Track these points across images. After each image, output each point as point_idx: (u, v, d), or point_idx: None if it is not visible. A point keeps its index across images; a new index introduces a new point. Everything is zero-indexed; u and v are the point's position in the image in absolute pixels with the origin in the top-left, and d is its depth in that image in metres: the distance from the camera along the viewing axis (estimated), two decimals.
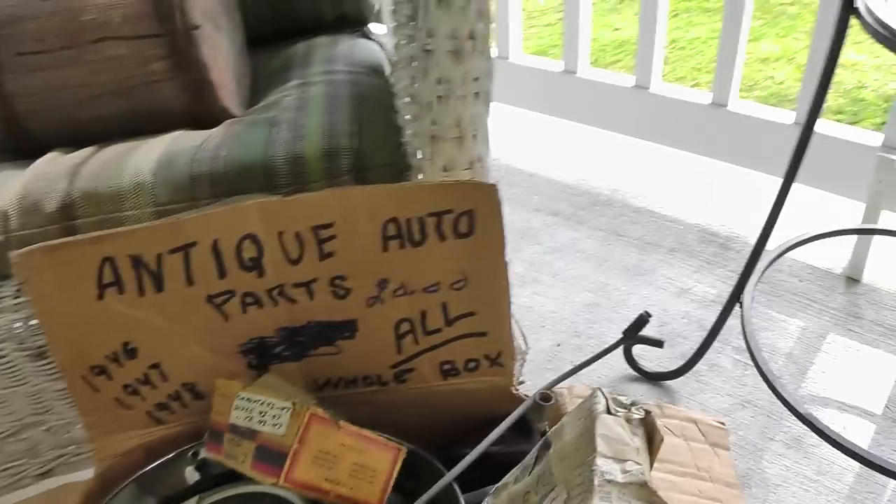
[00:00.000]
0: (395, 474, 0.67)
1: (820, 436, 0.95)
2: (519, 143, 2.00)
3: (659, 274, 1.50)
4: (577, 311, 1.42)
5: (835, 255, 1.51)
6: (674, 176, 1.81)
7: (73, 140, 0.98)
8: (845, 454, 0.93)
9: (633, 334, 0.81)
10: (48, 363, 0.87)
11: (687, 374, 1.26)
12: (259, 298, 0.70)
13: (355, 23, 1.25)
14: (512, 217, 1.70)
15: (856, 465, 1.10)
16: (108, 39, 0.92)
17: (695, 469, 0.82)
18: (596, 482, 0.52)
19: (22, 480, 0.98)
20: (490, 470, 0.70)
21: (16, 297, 0.86)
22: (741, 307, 1.14)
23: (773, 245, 1.23)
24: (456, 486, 0.68)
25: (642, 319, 0.81)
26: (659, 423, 0.84)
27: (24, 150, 0.98)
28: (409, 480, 0.70)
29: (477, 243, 0.66)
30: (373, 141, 0.81)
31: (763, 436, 1.16)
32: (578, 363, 0.79)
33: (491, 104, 0.75)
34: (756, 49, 2.59)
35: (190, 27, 0.90)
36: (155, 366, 0.73)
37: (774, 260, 1.24)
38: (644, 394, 1.25)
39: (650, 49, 1.71)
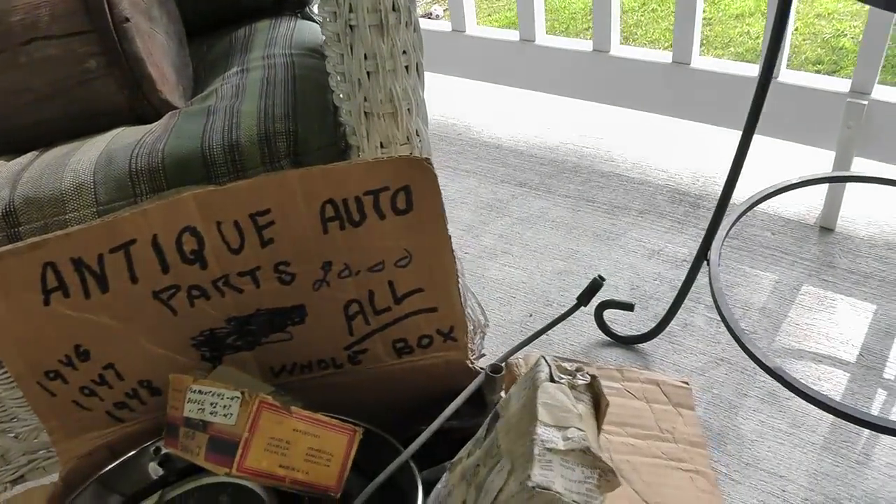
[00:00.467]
0: (352, 456, 0.67)
1: (790, 389, 0.95)
2: (483, 115, 1.99)
3: (629, 237, 1.49)
4: (549, 280, 1.42)
5: (808, 206, 1.52)
6: (641, 138, 1.80)
7: (15, 146, 0.96)
8: (816, 406, 0.93)
9: (588, 299, 0.81)
10: (4, 372, 0.86)
11: (660, 336, 1.26)
12: (205, 290, 0.69)
13: (295, 4, 1.23)
14: (480, 189, 1.69)
15: (830, 415, 1.11)
16: (38, 40, 0.90)
17: (658, 431, 0.82)
18: (536, 451, 0.51)
19: None
20: (451, 444, 0.70)
21: None
22: (708, 264, 1.13)
23: (745, 199, 1.23)
24: (412, 464, 0.67)
25: (596, 283, 0.80)
26: (620, 385, 0.85)
27: None
28: (370, 460, 0.70)
29: (417, 219, 0.65)
30: (308, 123, 0.80)
31: (738, 392, 1.17)
32: (531, 333, 0.79)
33: (425, 76, 0.74)
34: (730, 5, 2.58)
35: (120, 20, 0.89)
36: (109, 366, 0.72)
37: (742, 214, 1.24)
38: (618, 358, 1.25)
39: (607, 11, 1.69)
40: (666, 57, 1.67)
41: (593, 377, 0.57)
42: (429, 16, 2.91)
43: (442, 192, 1.67)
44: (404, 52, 0.70)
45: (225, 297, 0.69)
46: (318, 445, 0.65)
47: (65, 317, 0.69)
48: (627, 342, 1.28)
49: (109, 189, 0.81)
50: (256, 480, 0.64)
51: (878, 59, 1.36)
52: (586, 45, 1.77)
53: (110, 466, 0.74)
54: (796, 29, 2.38)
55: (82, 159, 0.85)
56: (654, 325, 1.25)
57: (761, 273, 1.37)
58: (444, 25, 1.98)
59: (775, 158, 1.65)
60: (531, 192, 1.67)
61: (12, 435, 0.96)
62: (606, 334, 1.29)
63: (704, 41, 2.46)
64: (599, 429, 0.57)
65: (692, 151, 1.73)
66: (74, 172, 0.84)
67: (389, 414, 0.74)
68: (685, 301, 1.21)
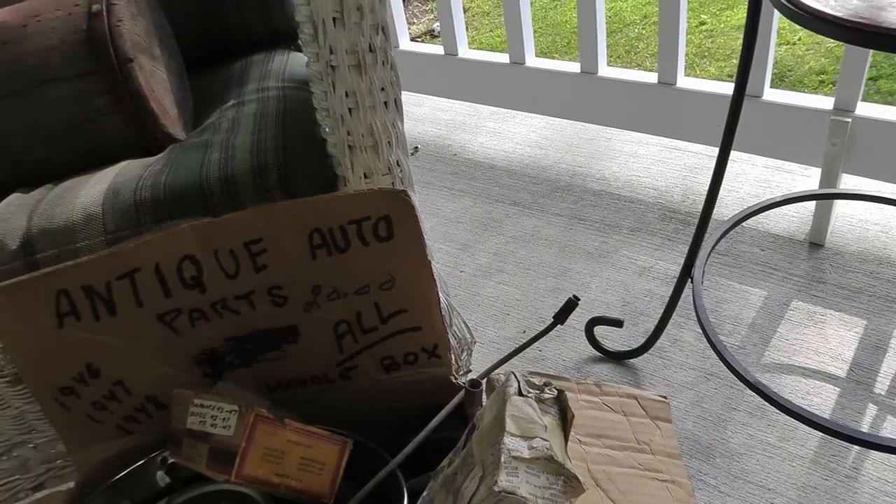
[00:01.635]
0: (343, 465, 0.72)
1: (771, 403, 0.97)
2: (477, 136, 2.04)
3: (621, 255, 1.53)
4: (542, 297, 1.46)
5: (798, 222, 1.55)
6: (632, 157, 1.84)
7: (29, 180, 1.02)
8: (798, 420, 0.95)
9: (564, 317, 0.85)
10: (24, 388, 0.91)
11: (651, 351, 1.29)
12: (205, 313, 0.74)
13: (288, 37, 1.29)
14: (475, 209, 1.74)
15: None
16: (51, 82, 0.96)
17: (635, 443, 0.86)
18: (503, 459, 0.56)
19: (18, 494, 1.03)
20: (438, 454, 0.75)
21: None
22: (692, 281, 1.17)
23: (732, 216, 1.26)
24: (399, 474, 0.72)
25: (571, 303, 0.85)
26: (598, 399, 0.89)
27: None
28: (361, 469, 0.75)
29: (398, 245, 0.70)
30: (297, 155, 0.86)
31: (727, 406, 1.20)
32: (513, 349, 0.83)
33: (402, 111, 0.79)
34: (732, 17, 2.62)
35: (124, 61, 0.95)
36: (118, 383, 0.77)
37: (727, 232, 1.27)
38: (609, 373, 1.29)
39: (593, 35, 1.74)
40: (652, 77, 1.72)
41: (560, 391, 0.62)
42: (431, 33, 2.97)
43: (438, 211, 1.72)
44: (382, 88, 0.76)
45: (223, 318, 0.75)
46: (311, 455, 0.70)
47: (77, 338, 0.74)
48: (618, 357, 1.31)
49: (117, 219, 0.87)
50: (254, 487, 0.69)
51: (860, 77, 1.39)
52: (575, 66, 1.82)
53: (121, 474, 0.79)
54: (799, 39, 2.41)
55: (91, 192, 0.91)
56: (644, 340, 1.28)
57: (750, 289, 1.40)
58: (438, 49, 2.04)
59: (767, 174, 1.69)
60: (525, 210, 1.72)
61: (31, 445, 1.01)
62: (597, 350, 1.33)
63: (706, 53, 2.50)
64: (566, 439, 0.62)
65: (682, 170, 1.77)
66: (84, 204, 0.89)
67: (380, 425, 0.79)
68: (676, 317, 1.24)
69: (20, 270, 0.88)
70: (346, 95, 0.74)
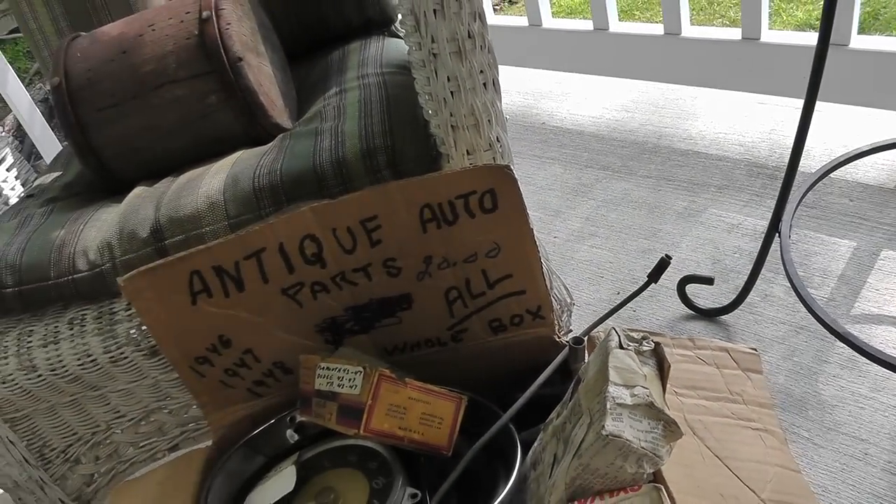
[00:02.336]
0: (459, 420, 0.78)
1: (861, 353, 0.99)
2: (564, 104, 2.07)
3: (709, 213, 1.55)
4: (634, 259, 1.49)
5: (887, 171, 1.53)
6: (717, 115, 1.84)
7: (151, 174, 1.11)
8: (888, 369, 0.97)
9: (657, 276, 0.89)
10: (161, 359, 1.01)
11: (741, 307, 1.30)
12: (325, 285, 0.81)
13: (381, 24, 1.35)
14: (565, 176, 1.78)
15: None
16: (167, 84, 1.05)
17: (728, 393, 0.89)
18: (608, 406, 0.62)
19: (155, 455, 1.14)
20: (542, 411, 0.80)
21: (128, 310, 1.00)
22: (779, 236, 1.18)
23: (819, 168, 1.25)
24: (512, 427, 0.78)
25: (663, 262, 0.89)
26: (692, 353, 0.93)
27: (113, 188, 1.13)
28: (474, 425, 0.81)
29: (502, 216, 0.76)
30: (403, 137, 0.92)
31: (818, 359, 1.20)
32: (610, 309, 0.88)
33: (500, 90, 0.84)
34: None
35: (234, 60, 1.02)
36: (248, 351, 0.85)
37: (814, 184, 1.28)
38: (701, 330, 1.31)
39: None
40: (735, 34, 1.71)
41: (657, 343, 0.67)
42: (509, 0, 2.99)
43: (530, 180, 1.76)
44: (481, 71, 0.81)
45: (342, 290, 0.82)
46: (430, 411, 0.77)
47: (209, 313, 0.82)
48: (709, 315, 1.34)
49: (238, 205, 0.95)
50: (380, 441, 0.76)
51: None
52: (658, 29, 1.83)
53: (254, 433, 0.87)
54: None
55: (213, 182, 0.99)
56: (734, 297, 1.30)
57: (839, 240, 1.40)
58: (522, 21, 2.07)
59: (855, 124, 1.66)
60: (614, 174, 1.74)
61: (167, 411, 1.12)
62: (689, 308, 1.36)
63: None
64: (664, 388, 0.67)
65: (767, 124, 1.76)
66: (207, 193, 0.97)
67: (489, 385, 0.85)
68: (765, 272, 1.25)
69: (152, 256, 0.97)
70: (448, 80, 0.80)
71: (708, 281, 1.31)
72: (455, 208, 0.75)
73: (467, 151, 0.83)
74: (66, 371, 1.01)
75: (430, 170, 0.91)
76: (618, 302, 0.91)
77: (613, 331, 0.68)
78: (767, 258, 1.25)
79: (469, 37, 0.78)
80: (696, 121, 1.85)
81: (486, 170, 0.73)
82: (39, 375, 1.02)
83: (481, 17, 0.77)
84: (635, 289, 0.88)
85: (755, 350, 0.95)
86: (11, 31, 1.27)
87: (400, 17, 0.89)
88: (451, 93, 0.81)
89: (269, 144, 1.04)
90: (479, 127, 0.82)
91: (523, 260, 0.80)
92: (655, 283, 0.90)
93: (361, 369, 0.76)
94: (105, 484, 1.19)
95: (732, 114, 1.83)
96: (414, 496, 0.75)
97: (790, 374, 1.19)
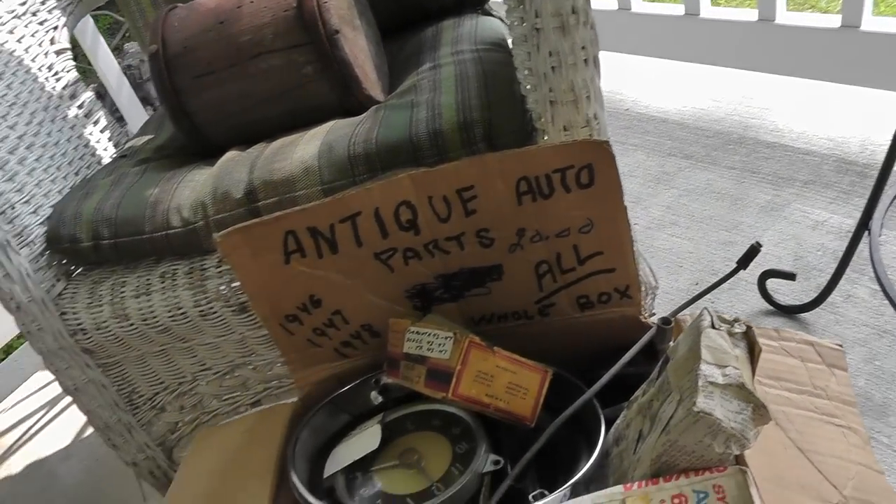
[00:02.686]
0: (544, 392, 0.79)
1: None
2: (649, 90, 2.05)
3: (794, 208, 1.53)
4: (714, 250, 1.48)
5: None
6: (807, 107, 1.81)
7: (243, 140, 1.15)
8: None
9: (746, 263, 0.89)
10: (249, 316, 1.05)
11: (822, 306, 1.29)
12: (418, 252, 0.83)
13: (475, 2, 1.36)
14: (648, 163, 1.77)
15: None
16: (263, 54, 1.08)
17: (811, 387, 0.88)
18: (700, 383, 0.62)
19: (238, 409, 1.19)
20: (624, 390, 0.81)
21: (218, 267, 1.04)
22: (870, 234, 1.16)
23: None
24: (596, 402, 0.79)
25: (754, 249, 0.88)
26: (776, 344, 0.92)
27: (205, 152, 1.17)
28: (557, 399, 0.82)
29: (598, 192, 0.76)
30: (500, 111, 0.93)
31: None
32: (697, 293, 0.88)
33: (601, 66, 0.84)
34: None
35: (332, 32, 1.05)
36: (337, 312, 0.87)
37: None
38: (780, 327, 1.29)
39: None
40: (834, 21, 1.67)
41: (748, 326, 0.67)
42: None
43: None
44: (583, 47, 0.82)
45: (434, 257, 0.83)
46: (517, 381, 0.78)
47: (302, 273, 0.84)
48: (789, 311, 1.32)
49: (332, 171, 0.97)
50: (466, 406, 0.78)
51: None
52: (752, 14, 1.79)
53: (339, 391, 0.90)
54: None
55: (307, 147, 1.02)
56: (816, 294, 1.29)
57: None
58: (612, 4, 2.05)
59: None
60: (697, 164, 1.73)
61: (251, 367, 1.16)
62: (769, 303, 1.34)
63: None
64: (753, 372, 0.67)
65: (860, 119, 1.72)
66: (302, 158, 1.00)
67: (570, 361, 0.86)
68: (849, 272, 1.23)
69: (245, 216, 1.01)
70: (550, 55, 0.81)
71: (790, 276, 1.29)
72: (552, 182, 0.76)
73: (564, 127, 0.84)
74: (157, 321, 1.05)
75: (525, 144, 0.93)
76: (695, 293, 0.91)
77: (706, 311, 0.69)
78: (853, 258, 1.24)
79: (573, 12, 0.78)
80: (784, 112, 1.81)
81: (585, 145, 0.74)
82: (131, 324, 1.06)
83: None
84: (715, 280, 0.88)
85: (840, 346, 0.93)
86: (95, 9, 1.33)
87: None
88: (552, 68, 0.81)
89: (363, 115, 1.06)
90: (578, 103, 0.83)
91: (615, 238, 0.80)
92: (745, 269, 0.89)
93: (452, 335, 0.77)
94: (188, 433, 1.24)
95: (824, 106, 1.79)
96: (496, 462, 0.76)
97: (871, 378, 1.17)
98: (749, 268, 1.17)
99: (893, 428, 1.10)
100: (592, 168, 0.75)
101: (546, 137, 0.85)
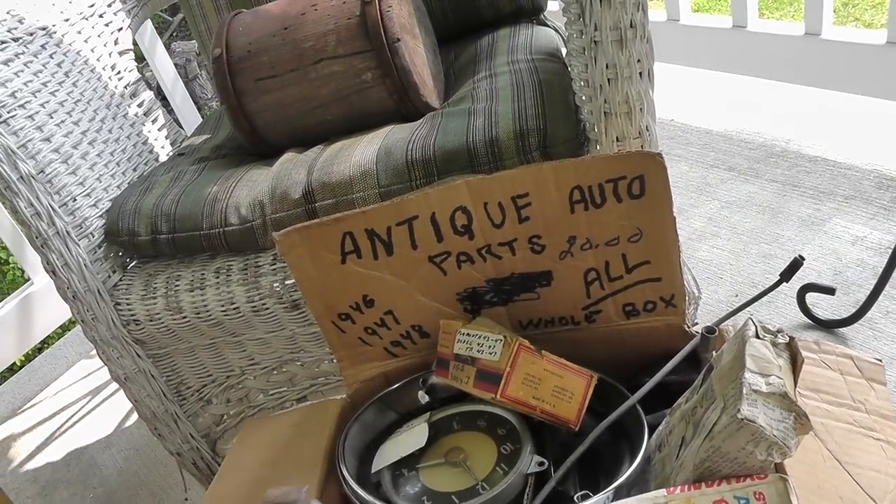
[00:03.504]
0: (588, 396, 0.82)
1: None
2: (695, 102, 2.06)
3: (834, 223, 1.53)
4: (753, 263, 1.50)
5: None
6: (850, 122, 1.81)
7: (300, 142, 1.19)
8: None
9: (789, 276, 0.90)
10: (301, 313, 1.08)
11: (861, 322, 1.29)
12: (470, 256, 0.85)
13: (531, 12, 1.39)
14: (690, 174, 1.78)
15: None
16: (325, 59, 1.11)
17: (850, 400, 0.89)
18: (744, 391, 0.64)
19: (284, 404, 1.22)
20: (666, 397, 0.83)
21: (272, 264, 1.08)
22: None
23: None
24: (639, 408, 0.81)
25: (796, 262, 0.90)
26: (816, 356, 0.93)
27: (263, 153, 1.21)
28: (600, 405, 0.84)
29: (648, 203, 0.79)
30: (555, 121, 0.95)
31: None
32: (739, 304, 0.90)
33: (654, 80, 0.87)
34: None
35: (393, 41, 1.08)
36: (389, 312, 0.90)
37: None
38: (819, 340, 1.31)
39: None
40: (880, 38, 1.67)
41: (791, 338, 0.69)
42: None
43: None
44: (639, 60, 0.84)
45: (486, 262, 0.86)
46: (562, 385, 0.80)
47: (357, 273, 0.87)
48: (827, 326, 1.33)
49: (389, 175, 1.00)
50: (513, 407, 0.80)
51: None
52: (798, 28, 1.80)
53: (387, 390, 0.93)
54: None
55: (366, 151, 1.05)
56: (854, 310, 1.29)
57: None
58: (659, 16, 2.07)
59: None
60: (739, 176, 1.74)
61: (299, 363, 1.19)
62: (807, 317, 1.35)
63: None
64: (795, 382, 0.69)
65: None
66: (360, 161, 1.03)
67: (614, 368, 0.88)
68: (889, 288, 1.24)
69: (302, 216, 1.04)
70: (607, 67, 0.83)
71: (829, 291, 1.30)
72: (604, 191, 0.78)
73: (617, 138, 0.86)
74: (210, 315, 1.09)
75: (578, 154, 0.95)
76: (735, 306, 0.93)
77: (750, 321, 0.71)
78: (894, 274, 1.24)
79: (631, 26, 0.81)
80: (828, 126, 1.82)
81: (638, 156, 0.76)
82: (184, 317, 1.10)
83: (644, 7, 0.80)
84: (755, 292, 0.90)
85: (880, 361, 0.95)
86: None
87: (562, 5, 0.92)
88: (608, 80, 0.84)
89: (420, 121, 1.09)
90: (632, 115, 0.85)
91: (663, 248, 0.82)
92: (787, 282, 0.91)
93: (502, 338, 0.80)
94: (233, 426, 1.28)
95: (867, 122, 1.79)
96: (541, 464, 0.79)
97: None
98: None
99: None
100: (644, 179, 0.77)
101: (599, 148, 0.88)
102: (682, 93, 2.11)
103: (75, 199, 1.13)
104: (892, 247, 1.43)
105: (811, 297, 1.36)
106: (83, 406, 1.81)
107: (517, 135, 0.95)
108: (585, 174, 0.78)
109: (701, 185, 1.74)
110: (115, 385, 1.67)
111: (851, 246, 1.47)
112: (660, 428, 0.80)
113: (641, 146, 0.86)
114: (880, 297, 1.29)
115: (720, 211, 1.65)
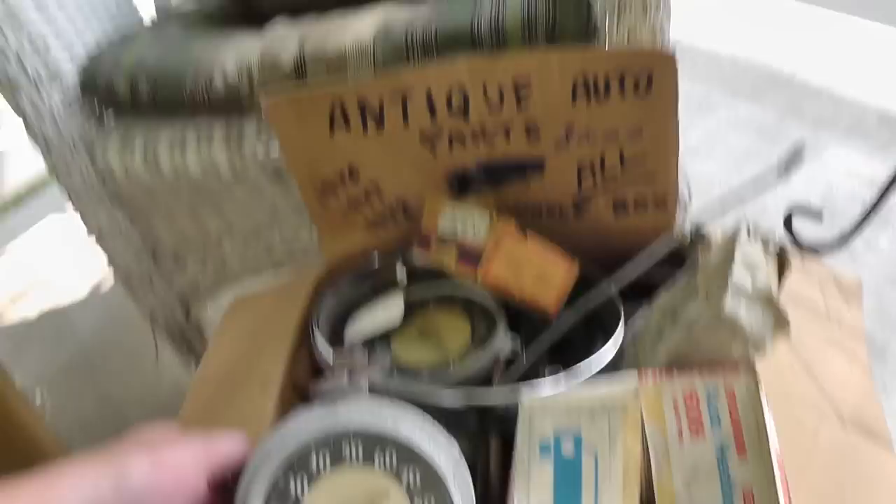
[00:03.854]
0: (570, 284, 0.82)
1: None
2: (704, 23, 2.02)
3: (830, 153, 1.53)
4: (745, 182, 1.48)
5: None
6: (860, 55, 1.78)
7: (292, 8, 1.14)
8: None
9: (788, 167, 0.88)
10: (282, 182, 1.06)
11: (843, 251, 1.31)
12: (464, 137, 0.84)
13: None
14: (692, 92, 1.76)
15: None
16: None
17: (826, 316, 0.91)
18: (729, 289, 0.64)
19: (260, 271, 1.21)
20: (649, 292, 0.83)
21: (257, 131, 1.04)
22: None
23: None
24: (618, 299, 0.81)
25: (797, 152, 0.87)
26: (798, 270, 0.94)
27: (250, 18, 1.17)
28: (581, 300, 0.84)
29: (653, 101, 0.77)
30: (566, 10, 0.92)
31: None
32: (729, 199, 0.88)
33: None
34: None
35: None
36: (374, 186, 0.88)
37: None
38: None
39: None
40: None
41: (782, 247, 0.69)
42: None
43: None
44: None
45: (479, 145, 0.84)
46: (544, 270, 0.80)
47: (344, 144, 0.85)
48: (809, 250, 1.33)
49: (386, 53, 0.97)
50: (492, 289, 0.80)
51: None
52: None
53: (366, 263, 0.92)
54: None
55: (362, 27, 1.01)
56: (838, 238, 1.29)
57: None
58: None
59: None
60: (742, 98, 1.72)
61: (277, 234, 1.18)
62: (792, 240, 1.35)
63: None
64: (781, 286, 0.69)
65: None
66: (355, 37, 0.99)
67: (601, 268, 0.87)
68: (876, 221, 1.24)
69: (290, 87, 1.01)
70: None
71: (816, 215, 1.30)
72: (609, 85, 0.76)
73: (629, 33, 0.83)
74: (189, 176, 1.06)
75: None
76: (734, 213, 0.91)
77: (744, 222, 0.71)
78: (882, 210, 1.24)
79: None
80: (838, 57, 1.79)
81: (650, 53, 0.74)
82: (162, 175, 1.07)
83: None
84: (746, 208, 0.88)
85: (859, 278, 0.95)
86: None
87: None
88: None
89: (422, 5, 1.05)
90: (647, 11, 0.82)
91: (662, 149, 0.81)
92: (784, 175, 0.89)
93: (488, 216, 0.79)
94: (207, 287, 1.27)
95: (878, 57, 1.76)
96: (514, 346, 0.79)
97: (875, 323, 1.20)
98: (773, 206, 1.17)
99: (890, 372, 1.13)
100: (653, 77, 0.75)
101: (608, 43, 0.85)
102: (692, 14, 2.06)
103: (46, 43, 1.08)
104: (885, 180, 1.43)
105: (796, 224, 1.36)
106: (58, 262, 1.79)
107: (525, 22, 0.91)
108: (593, 65, 0.76)
109: (701, 102, 1.72)
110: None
111: (845, 177, 1.47)
112: (637, 320, 0.80)
113: (653, 45, 0.84)
114: (866, 231, 1.29)
115: (717, 130, 1.64)
